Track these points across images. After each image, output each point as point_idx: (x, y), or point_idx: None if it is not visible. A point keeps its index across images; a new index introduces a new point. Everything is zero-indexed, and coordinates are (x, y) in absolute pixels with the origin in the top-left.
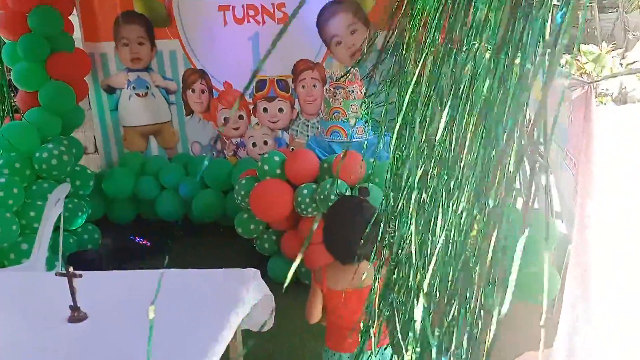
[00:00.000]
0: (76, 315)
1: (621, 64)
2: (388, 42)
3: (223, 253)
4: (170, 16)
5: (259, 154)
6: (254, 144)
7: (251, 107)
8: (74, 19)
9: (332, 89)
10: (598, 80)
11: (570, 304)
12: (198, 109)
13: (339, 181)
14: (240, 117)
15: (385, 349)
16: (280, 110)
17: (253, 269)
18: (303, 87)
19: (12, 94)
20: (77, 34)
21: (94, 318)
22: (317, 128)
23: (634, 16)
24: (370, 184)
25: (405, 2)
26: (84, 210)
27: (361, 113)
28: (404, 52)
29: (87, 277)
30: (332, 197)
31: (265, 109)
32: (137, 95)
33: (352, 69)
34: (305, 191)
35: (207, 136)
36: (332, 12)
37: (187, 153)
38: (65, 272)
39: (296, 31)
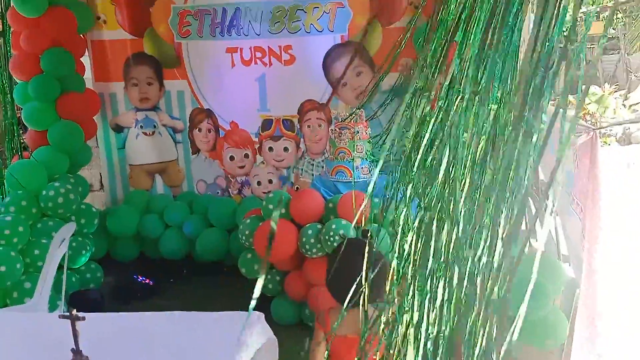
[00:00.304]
0: (78, 359)
1: (624, 105)
2: (395, 85)
3: (226, 293)
4: (179, 57)
5: (264, 193)
6: (259, 183)
7: (257, 146)
8: (85, 59)
9: (337, 130)
10: (603, 127)
11: (579, 347)
12: (204, 147)
13: (343, 221)
14: (246, 155)
15: None
16: (286, 149)
17: (257, 312)
18: (309, 126)
19: (21, 131)
20: (88, 74)
21: None
22: (322, 167)
23: (635, 58)
24: (375, 225)
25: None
26: (88, 248)
27: (366, 153)
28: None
29: (90, 319)
30: (336, 238)
31: (270, 148)
32: (145, 134)
33: (357, 110)
34: (310, 231)
35: (213, 174)
36: (338, 54)
37: (192, 191)
38: (68, 314)
39: (302, 72)
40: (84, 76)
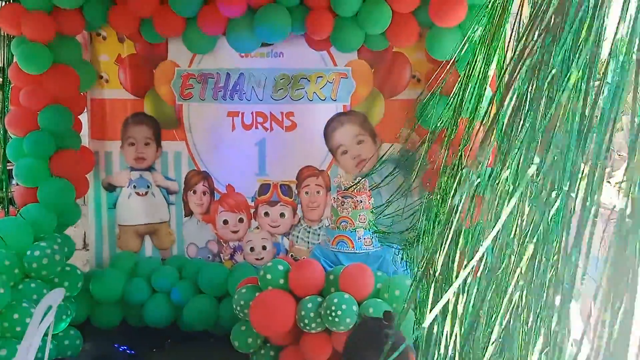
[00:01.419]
0: None
1: (609, 182)
2: (402, 159)
3: None
4: (179, 119)
5: (257, 259)
6: (252, 249)
7: (252, 210)
8: (83, 117)
9: (340, 198)
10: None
11: None
12: (198, 210)
13: (345, 295)
14: (240, 220)
15: None
16: (282, 215)
17: None
18: (307, 193)
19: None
20: (84, 131)
21: None
22: (319, 235)
23: (618, 137)
24: (379, 300)
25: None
26: (69, 313)
27: (369, 223)
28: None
29: None
30: (338, 314)
31: (266, 213)
32: (137, 194)
33: (361, 180)
34: (309, 304)
35: (204, 238)
36: (340, 123)
37: (182, 255)
38: None
39: (303, 139)
40: (80, 133)
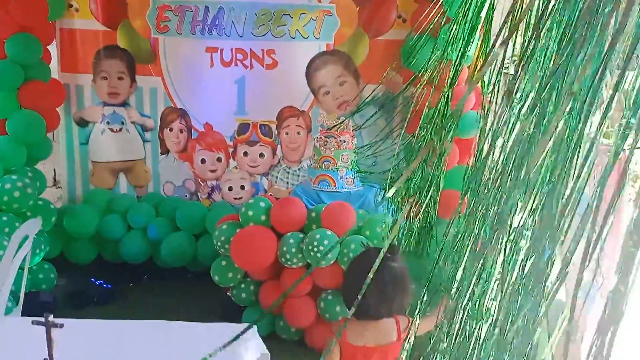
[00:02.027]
0: None
1: None
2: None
3: (192, 301)
4: (154, 53)
5: (235, 199)
6: (230, 188)
7: (231, 150)
8: (52, 48)
9: (323, 138)
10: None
11: None
12: (174, 148)
13: (328, 231)
14: (219, 159)
15: None
16: (261, 155)
17: (250, 325)
18: (287, 133)
19: None
20: (54, 63)
21: None
22: (298, 176)
23: None
24: (361, 236)
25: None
26: (42, 247)
27: (351, 163)
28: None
29: (67, 326)
30: (320, 249)
31: (245, 153)
32: (111, 130)
33: (345, 119)
34: (291, 240)
35: (182, 177)
36: (322, 63)
37: (159, 193)
38: (42, 320)
39: (284, 77)
40: (50, 65)
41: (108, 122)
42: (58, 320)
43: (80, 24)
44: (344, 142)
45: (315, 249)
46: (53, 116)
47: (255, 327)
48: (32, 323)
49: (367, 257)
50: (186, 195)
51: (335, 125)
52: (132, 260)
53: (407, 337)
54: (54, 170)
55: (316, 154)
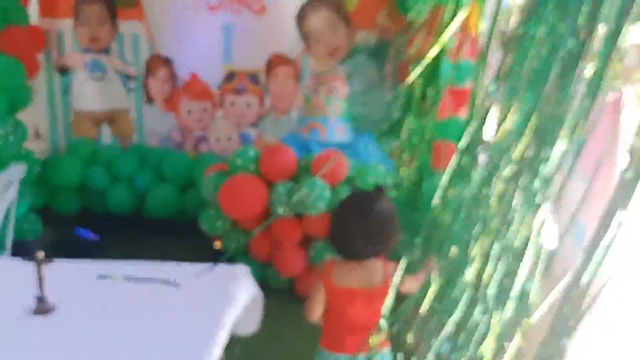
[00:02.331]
0: (42, 306)
1: None
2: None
3: (180, 252)
4: None
5: (222, 150)
6: (217, 139)
7: (217, 99)
8: None
9: (313, 84)
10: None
11: None
12: (159, 97)
13: (318, 181)
14: (205, 109)
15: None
16: (249, 105)
17: (244, 266)
18: (276, 82)
19: None
20: (33, 8)
21: (63, 310)
22: (287, 127)
23: None
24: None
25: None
26: (27, 197)
27: (342, 111)
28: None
29: (59, 264)
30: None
31: (232, 103)
32: (93, 78)
33: (337, 66)
34: (281, 189)
35: (167, 127)
36: (313, 7)
37: (143, 144)
38: (32, 257)
39: (273, 24)
40: (29, 9)
41: (90, 70)
42: (48, 257)
43: None
44: (335, 89)
45: (306, 198)
46: (32, 63)
47: (248, 267)
48: (23, 259)
49: (353, 199)
50: (172, 147)
51: (327, 71)
52: (118, 211)
53: (393, 285)
54: (35, 123)
55: (306, 101)
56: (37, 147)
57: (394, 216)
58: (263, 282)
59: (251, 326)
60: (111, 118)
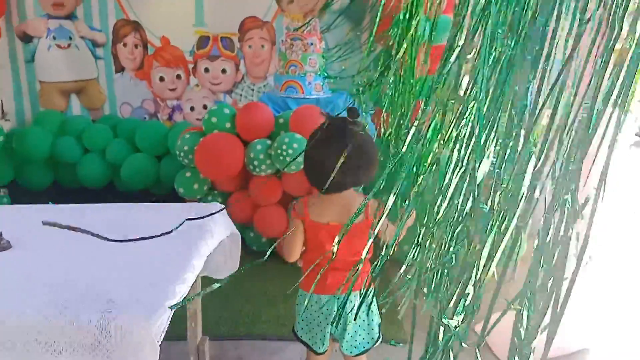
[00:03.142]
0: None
1: None
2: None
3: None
4: None
5: (197, 119)
6: (192, 108)
7: (191, 66)
8: None
9: (289, 41)
10: None
11: None
12: (130, 65)
13: (297, 135)
14: (178, 76)
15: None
16: (224, 71)
17: (220, 204)
18: (250, 47)
19: None
20: None
21: (20, 247)
22: (263, 93)
23: None
24: None
25: None
26: None
27: (320, 68)
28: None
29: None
30: (289, 152)
31: (206, 69)
32: (58, 46)
33: (311, 20)
34: (259, 147)
35: (139, 97)
36: None
37: (115, 115)
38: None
39: None
40: None
41: (54, 37)
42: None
43: None
44: (312, 44)
45: (285, 153)
46: None
47: (224, 207)
48: None
49: (328, 126)
50: (145, 117)
51: (302, 26)
52: (91, 185)
53: (374, 224)
54: (0, 101)
55: (282, 58)
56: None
57: (370, 141)
58: (243, 245)
59: (229, 268)
60: (80, 88)
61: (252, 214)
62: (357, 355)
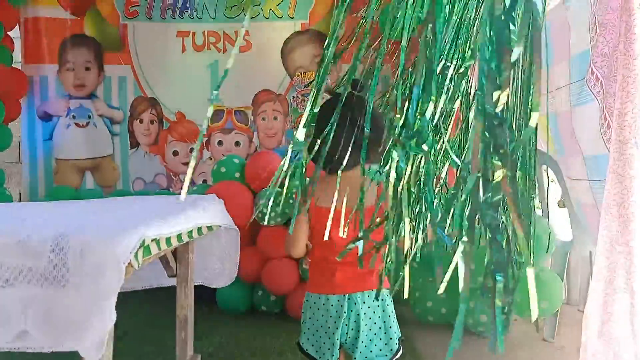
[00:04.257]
0: None
1: None
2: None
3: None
4: (123, 40)
5: None
6: (205, 181)
7: (205, 139)
8: (16, 41)
9: (300, 97)
10: None
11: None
12: (145, 141)
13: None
14: (192, 150)
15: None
16: (237, 143)
17: (218, 199)
18: (263, 119)
19: None
20: (17, 56)
21: None
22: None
23: None
24: None
25: None
26: None
27: None
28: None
29: None
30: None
31: (220, 142)
32: (77, 125)
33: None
34: (267, 195)
35: (152, 172)
36: (298, 43)
37: (128, 191)
38: None
39: (259, 60)
40: (13, 53)
41: (74, 117)
42: None
43: (44, 11)
44: (323, 98)
45: (293, 202)
46: (13, 104)
47: (221, 200)
48: None
49: (330, 103)
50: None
51: (311, 82)
52: None
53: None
54: (19, 193)
55: (293, 114)
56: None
57: (379, 114)
58: (252, 308)
59: (228, 275)
60: (95, 165)
61: (261, 269)
62: None
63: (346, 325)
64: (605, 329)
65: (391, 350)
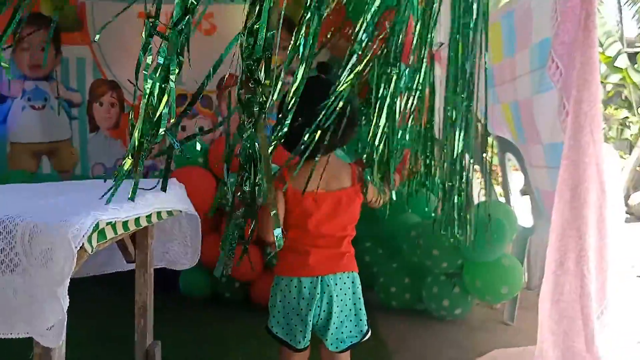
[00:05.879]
0: None
1: None
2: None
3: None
4: (81, 20)
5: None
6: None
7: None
8: None
9: None
10: None
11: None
12: (105, 124)
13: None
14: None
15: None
16: (201, 129)
17: (180, 183)
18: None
19: None
20: None
21: None
22: None
23: None
24: None
25: None
26: None
27: None
28: None
29: None
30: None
31: (183, 127)
32: (33, 107)
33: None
34: (232, 180)
35: (114, 156)
36: None
37: (87, 176)
38: None
39: (224, 43)
40: None
41: (29, 99)
42: None
43: None
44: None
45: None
46: None
47: (182, 185)
48: None
49: (308, 86)
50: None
51: (279, 66)
52: None
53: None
54: None
55: None
56: None
57: (353, 98)
58: (215, 294)
59: (190, 259)
60: (52, 150)
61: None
62: (343, 350)
63: (318, 307)
64: (556, 308)
65: (361, 331)
